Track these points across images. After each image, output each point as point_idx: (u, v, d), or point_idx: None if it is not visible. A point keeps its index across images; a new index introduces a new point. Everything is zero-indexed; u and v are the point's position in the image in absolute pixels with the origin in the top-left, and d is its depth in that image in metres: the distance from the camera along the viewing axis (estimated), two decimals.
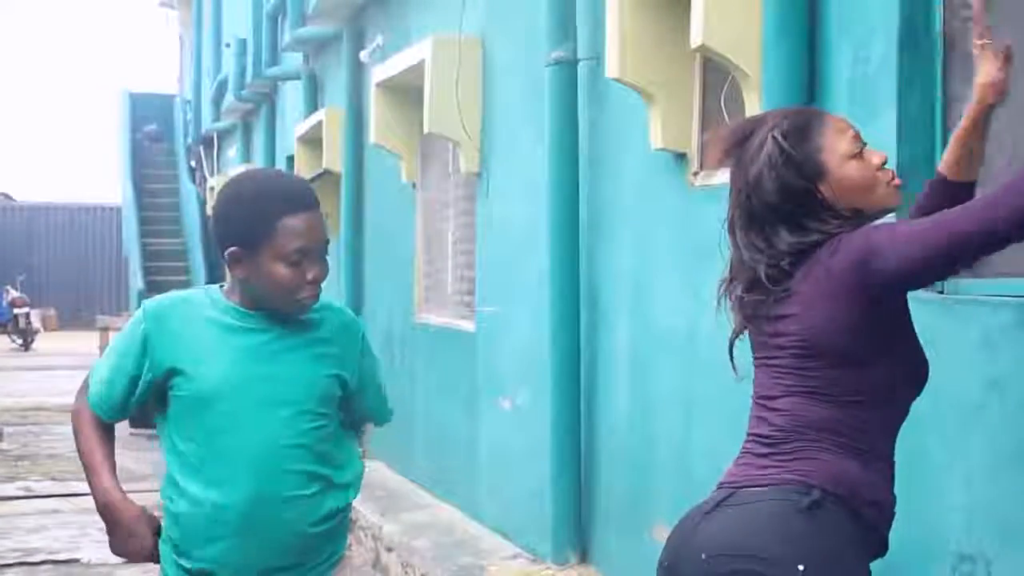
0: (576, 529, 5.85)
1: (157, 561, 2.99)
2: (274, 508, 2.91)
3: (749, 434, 2.68)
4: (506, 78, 6.92)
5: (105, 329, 16.21)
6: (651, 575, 5.27)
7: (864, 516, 2.51)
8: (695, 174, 4.94)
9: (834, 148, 2.57)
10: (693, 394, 4.89)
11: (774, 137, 2.58)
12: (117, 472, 3.01)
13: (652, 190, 5.24)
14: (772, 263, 2.58)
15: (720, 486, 2.63)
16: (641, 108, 5.08)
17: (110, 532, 2.96)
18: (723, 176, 4.72)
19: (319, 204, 2.96)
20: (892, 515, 2.61)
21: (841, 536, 2.46)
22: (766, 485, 2.51)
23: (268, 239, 2.84)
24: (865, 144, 2.62)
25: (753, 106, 4.28)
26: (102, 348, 15.87)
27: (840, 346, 2.51)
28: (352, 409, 3.15)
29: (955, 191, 2.79)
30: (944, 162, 2.87)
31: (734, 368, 2.82)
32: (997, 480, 3.14)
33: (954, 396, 3.27)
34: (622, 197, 5.54)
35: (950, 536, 3.38)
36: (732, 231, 2.69)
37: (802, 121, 2.61)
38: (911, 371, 2.61)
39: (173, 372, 2.92)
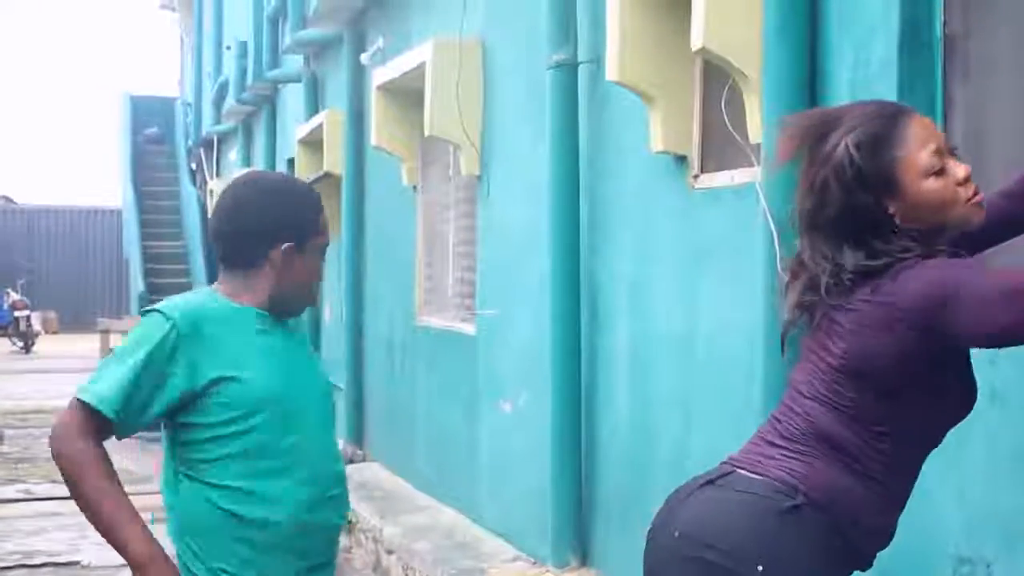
0: (576, 531, 5.85)
1: None
2: (326, 510, 2.97)
3: (772, 415, 2.60)
4: (507, 81, 6.92)
5: (106, 332, 16.20)
6: None
7: (845, 534, 2.43)
8: (695, 176, 4.93)
9: (913, 163, 2.38)
10: (693, 396, 4.89)
11: (847, 146, 2.40)
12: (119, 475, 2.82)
13: (652, 192, 5.24)
14: (834, 276, 2.44)
15: (725, 461, 2.61)
16: (641, 110, 5.07)
17: None
18: (723, 179, 4.74)
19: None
20: (883, 540, 2.52)
21: (811, 546, 2.40)
22: (760, 475, 2.47)
23: (315, 232, 2.97)
24: (953, 152, 2.43)
25: (754, 109, 4.28)
26: (103, 351, 15.87)
27: (881, 376, 2.39)
28: None
29: None
30: None
31: (783, 350, 2.71)
32: (996, 484, 3.14)
33: None
34: (622, 199, 5.54)
35: (949, 539, 3.38)
36: (799, 227, 2.56)
37: (881, 129, 2.39)
38: (954, 406, 2.49)
39: (218, 380, 2.83)
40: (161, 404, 2.82)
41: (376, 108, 8.79)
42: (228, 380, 2.83)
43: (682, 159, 4.99)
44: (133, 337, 2.85)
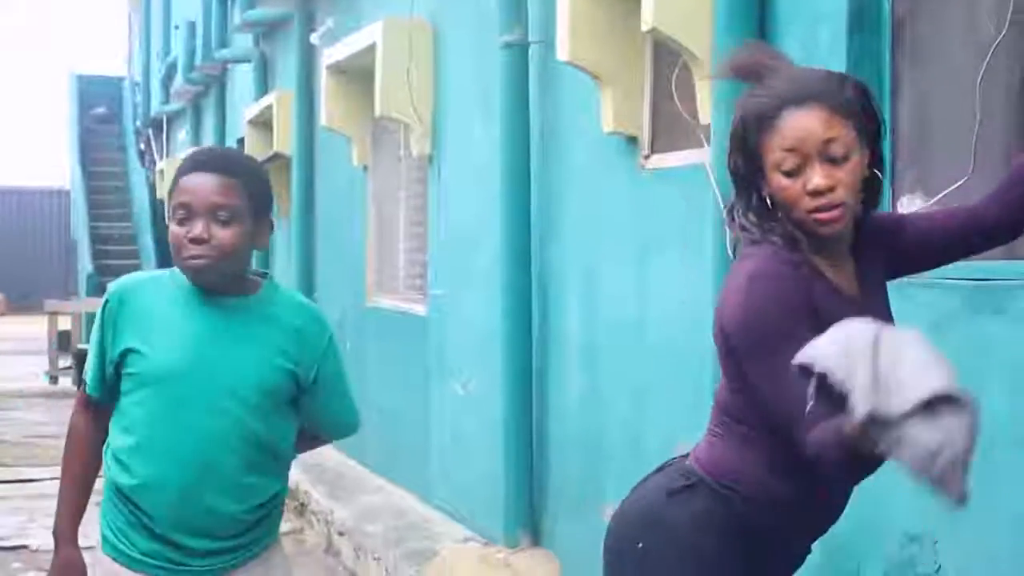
0: (528, 512, 5.86)
1: None
2: (215, 494, 2.90)
3: None
4: (457, 61, 6.90)
5: (54, 314, 16.04)
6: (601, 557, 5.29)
7: (731, 504, 2.45)
8: (646, 157, 4.94)
9: (767, 154, 2.38)
10: (644, 377, 4.91)
11: (739, 109, 2.45)
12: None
13: (603, 173, 5.24)
14: (731, 224, 2.51)
15: None
16: (592, 91, 5.08)
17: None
18: (673, 159, 4.75)
19: (237, 173, 2.91)
20: (783, 513, 2.47)
21: (693, 517, 2.46)
22: (673, 464, 2.59)
23: (169, 200, 2.93)
24: (834, 160, 2.34)
25: (704, 89, 4.29)
26: (51, 333, 15.73)
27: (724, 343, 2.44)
28: (308, 414, 3.10)
29: None
30: None
31: None
32: None
33: None
34: (573, 180, 5.54)
35: (897, 516, 3.41)
36: None
37: (768, 109, 2.38)
38: None
39: (127, 351, 2.92)
40: (110, 375, 2.98)
41: (326, 88, 8.75)
42: (135, 352, 2.91)
43: (633, 140, 5.00)
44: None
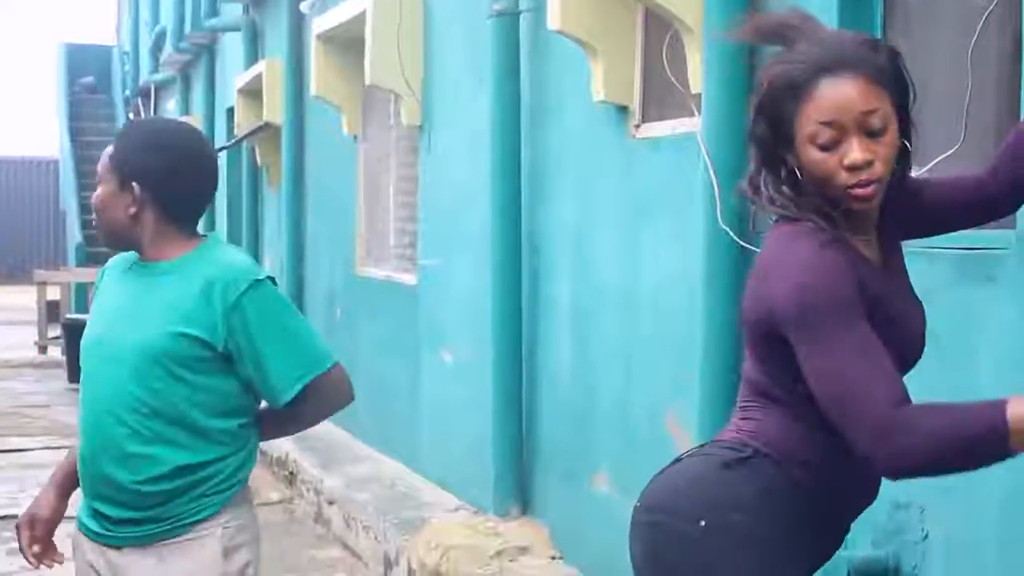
0: (517, 481, 5.88)
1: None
2: (109, 463, 2.92)
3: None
4: (448, 30, 6.88)
5: (43, 284, 16.00)
6: (592, 525, 5.33)
7: (794, 476, 2.31)
8: (636, 126, 4.93)
9: (801, 126, 2.24)
10: (634, 346, 4.91)
11: (766, 75, 2.29)
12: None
13: (594, 142, 5.23)
14: (755, 197, 2.36)
15: None
16: (583, 60, 5.06)
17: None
18: (664, 128, 4.74)
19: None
20: (846, 501, 2.40)
21: (757, 490, 2.31)
22: (718, 440, 2.42)
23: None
24: (873, 133, 2.21)
25: (695, 58, 4.28)
26: (40, 303, 15.70)
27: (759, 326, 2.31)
28: (245, 379, 2.91)
29: None
30: None
31: None
32: None
33: None
34: (564, 149, 5.53)
35: (885, 484, 3.42)
36: None
37: (801, 76, 2.23)
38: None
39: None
40: None
41: (316, 57, 8.72)
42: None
43: (623, 109, 4.98)
44: None
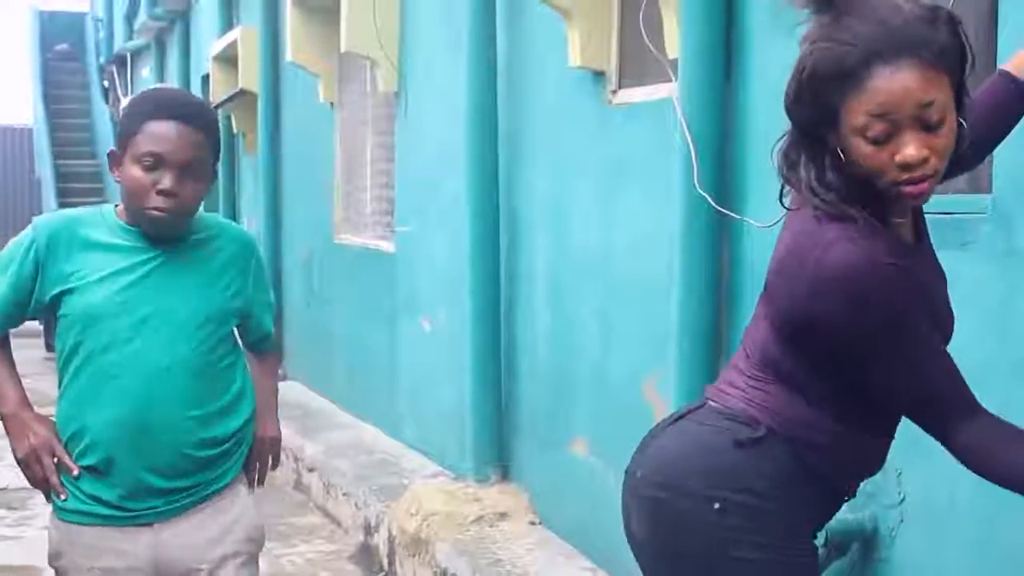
0: (496, 447, 5.89)
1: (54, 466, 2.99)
2: (156, 431, 2.91)
3: (746, 334, 2.40)
4: None
5: None
6: (570, 490, 5.34)
7: (807, 459, 2.26)
8: (613, 92, 4.93)
9: (849, 116, 2.06)
10: (611, 312, 4.92)
11: (810, 55, 2.08)
12: (26, 393, 3.07)
13: (570, 108, 5.22)
14: (785, 176, 2.23)
15: (704, 393, 2.44)
16: (559, 25, 5.05)
17: (13, 435, 3.01)
18: (641, 94, 4.73)
19: (204, 126, 2.91)
20: (846, 466, 2.35)
21: (775, 477, 2.25)
22: (724, 407, 2.32)
23: (131, 139, 2.87)
24: (931, 127, 2.04)
25: (671, 24, 4.27)
26: None
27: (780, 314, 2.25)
28: (246, 330, 3.22)
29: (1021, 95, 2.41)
30: (1015, 62, 2.44)
31: None
32: None
33: None
34: (540, 115, 5.52)
35: None
36: None
37: (852, 62, 2.03)
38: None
39: (62, 294, 2.93)
40: (30, 311, 3.01)
41: (291, 23, 8.67)
42: (67, 293, 2.92)
43: (600, 74, 4.97)
44: (6, 250, 3.02)
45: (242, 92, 10.50)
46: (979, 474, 2.20)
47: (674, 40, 4.24)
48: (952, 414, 2.17)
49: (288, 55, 8.76)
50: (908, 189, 2.07)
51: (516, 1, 5.59)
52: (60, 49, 24.00)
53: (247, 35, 10.33)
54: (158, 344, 2.90)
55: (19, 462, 3.00)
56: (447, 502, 5.70)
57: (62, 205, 18.82)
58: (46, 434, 2.97)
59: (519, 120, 5.70)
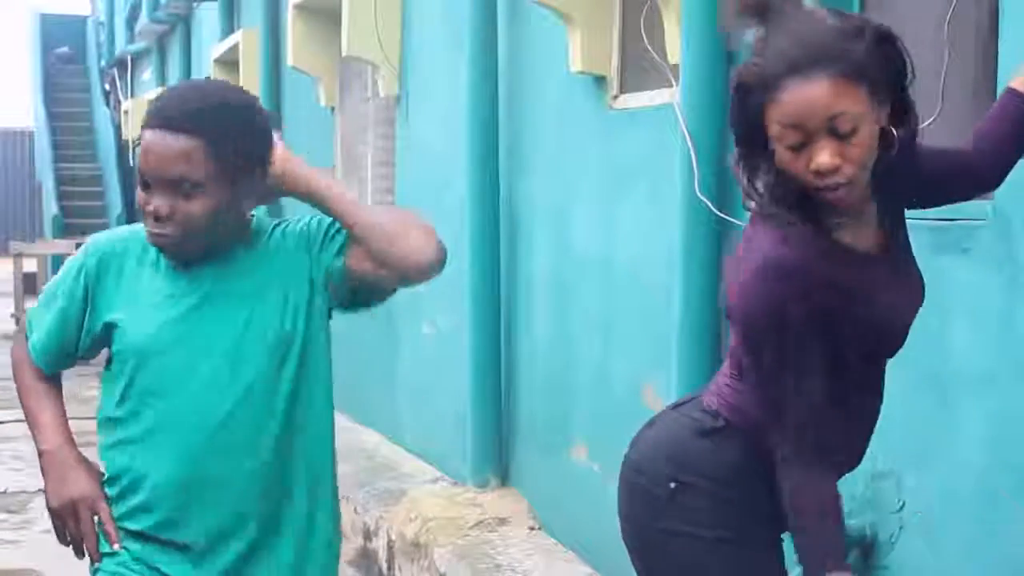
0: (496, 452, 5.88)
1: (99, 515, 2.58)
2: (217, 480, 2.51)
3: None
4: (425, 0, 6.84)
5: (19, 255, 15.93)
6: (570, 496, 5.33)
7: (764, 450, 2.33)
8: (614, 97, 4.92)
9: (769, 125, 2.20)
10: (612, 317, 4.92)
11: (742, 67, 2.24)
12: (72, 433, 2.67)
13: (571, 113, 5.22)
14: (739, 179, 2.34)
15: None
16: (561, 30, 5.04)
17: (50, 478, 2.58)
18: (642, 99, 4.73)
19: (197, 130, 2.42)
20: None
21: (728, 464, 2.40)
22: (703, 402, 2.48)
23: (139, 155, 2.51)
24: (839, 134, 2.15)
25: (673, 29, 4.27)
26: (16, 275, 15.62)
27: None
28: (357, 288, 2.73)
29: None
30: (1022, 79, 2.49)
31: None
32: (909, 402, 3.19)
33: None
34: (542, 120, 5.52)
35: (867, 457, 3.44)
36: None
37: (770, 73, 2.16)
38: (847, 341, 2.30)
39: (110, 325, 2.55)
40: (83, 346, 2.62)
41: (293, 27, 8.67)
42: (115, 326, 2.54)
43: (601, 79, 4.97)
44: (57, 276, 2.64)
45: None
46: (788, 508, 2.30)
47: (675, 45, 4.24)
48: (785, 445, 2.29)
49: (289, 59, 8.76)
50: (826, 196, 2.20)
51: (517, 5, 5.59)
52: (61, 52, 24.04)
53: (248, 38, 10.33)
54: (219, 383, 2.50)
55: (51, 512, 2.59)
56: (447, 507, 5.69)
57: (63, 209, 18.83)
58: (90, 487, 2.55)
59: (520, 125, 5.70)
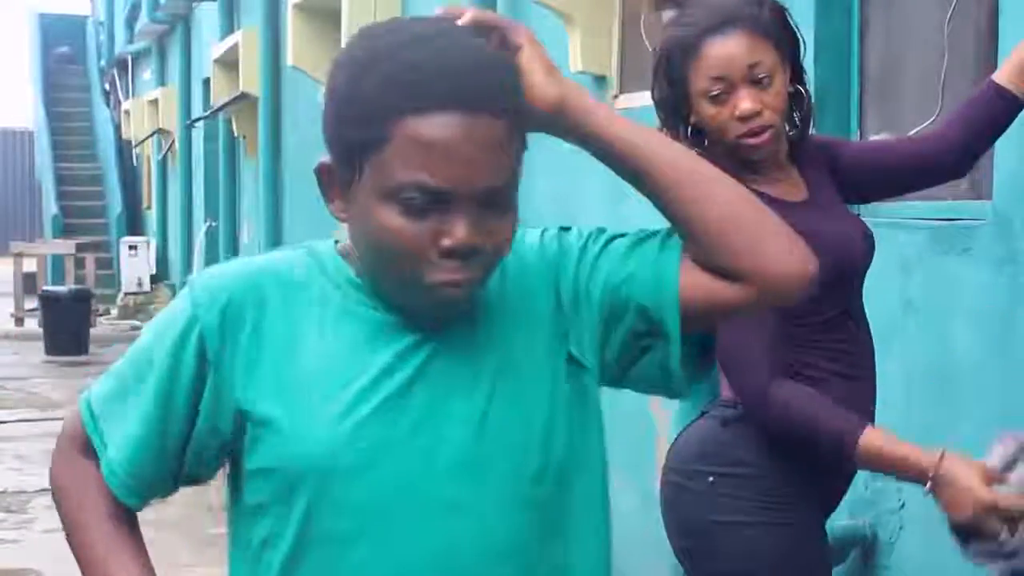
0: None
1: None
2: None
3: None
4: None
5: (19, 255, 15.94)
6: None
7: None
8: (615, 97, 4.93)
9: (694, 82, 2.41)
10: None
11: (662, 45, 2.48)
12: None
13: None
14: None
15: None
16: (561, 30, 5.05)
17: None
18: (643, 99, 4.73)
19: (495, 100, 1.55)
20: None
21: (756, 448, 2.45)
22: (722, 396, 2.54)
23: (379, 150, 1.51)
24: (760, 81, 2.37)
25: None
26: (16, 275, 15.62)
27: None
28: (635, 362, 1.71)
29: (1008, 106, 2.55)
30: (1006, 71, 2.57)
31: None
32: (910, 395, 3.20)
33: (873, 316, 3.31)
34: None
35: None
36: None
37: (691, 38, 2.41)
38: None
39: (248, 418, 1.52)
40: (192, 457, 1.58)
41: (293, 27, 8.68)
42: (262, 422, 1.51)
43: (602, 79, 4.98)
44: (141, 342, 1.60)
45: (243, 96, 10.51)
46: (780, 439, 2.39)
47: None
48: (745, 389, 2.41)
49: (289, 59, 8.77)
50: (749, 141, 2.40)
51: (517, 5, 5.59)
52: (61, 52, 24.08)
53: (248, 38, 10.34)
54: (463, 516, 1.53)
55: None
56: None
57: (63, 209, 18.82)
58: None
59: None
